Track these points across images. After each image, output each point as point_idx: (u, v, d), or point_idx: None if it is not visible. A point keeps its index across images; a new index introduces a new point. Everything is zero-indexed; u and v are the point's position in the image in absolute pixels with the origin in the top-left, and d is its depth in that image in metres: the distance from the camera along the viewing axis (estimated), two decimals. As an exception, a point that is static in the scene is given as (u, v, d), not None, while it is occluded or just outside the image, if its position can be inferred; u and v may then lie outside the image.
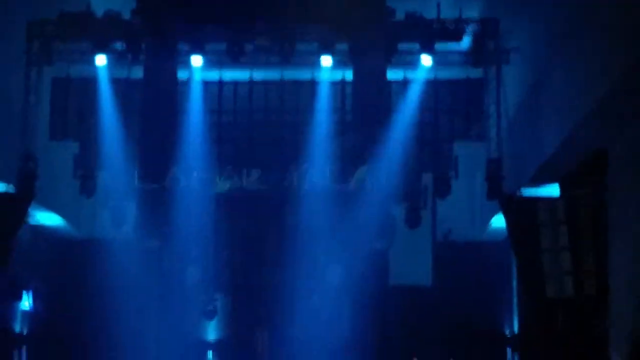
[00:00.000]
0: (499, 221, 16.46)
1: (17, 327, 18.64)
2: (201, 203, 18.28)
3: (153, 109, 17.86)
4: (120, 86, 18.20)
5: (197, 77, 18.16)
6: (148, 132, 17.94)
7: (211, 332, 19.95)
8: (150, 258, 19.04)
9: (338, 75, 18.24)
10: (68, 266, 19.12)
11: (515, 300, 17.38)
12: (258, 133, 18.17)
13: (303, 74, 18.43)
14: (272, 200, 18.35)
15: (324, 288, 18.71)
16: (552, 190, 15.27)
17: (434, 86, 18.33)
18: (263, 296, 19.03)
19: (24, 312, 18.83)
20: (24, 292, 18.60)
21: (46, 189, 17.25)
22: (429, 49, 16.77)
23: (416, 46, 16.92)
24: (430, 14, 16.77)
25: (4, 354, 17.84)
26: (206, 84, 18.55)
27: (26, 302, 18.80)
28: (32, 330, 18.93)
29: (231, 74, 19.23)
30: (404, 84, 18.04)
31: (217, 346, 19.62)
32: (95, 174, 17.88)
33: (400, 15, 16.90)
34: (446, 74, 18.24)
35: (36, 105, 16.93)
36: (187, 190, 18.22)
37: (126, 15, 17.19)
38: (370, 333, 18.25)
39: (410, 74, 17.75)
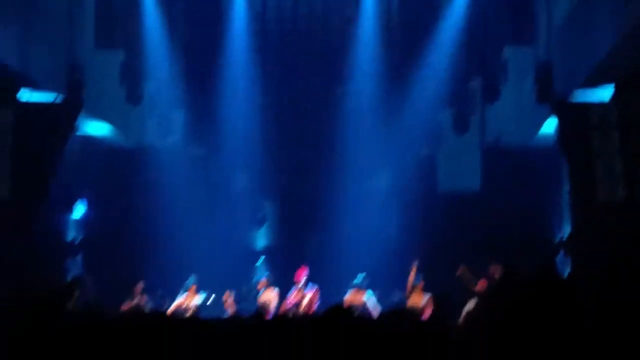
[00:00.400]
0: (549, 126, 16.30)
1: (71, 236, 18.90)
2: (248, 110, 18.30)
3: (198, 14, 17.76)
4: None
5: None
6: (193, 38, 17.88)
7: (261, 239, 20.13)
8: (199, 164, 19.15)
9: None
10: (117, 175, 19.25)
11: (565, 205, 17.27)
12: (302, 42, 17.96)
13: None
14: (319, 105, 18.29)
15: (372, 194, 18.75)
16: (605, 94, 15.06)
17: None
18: (312, 202, 19.12)
19: (77, 221, 19.07)
20: (76, 202, 18.82)
21: (94, 99, 17.34)
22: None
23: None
24: None
25: (60, 263, 18.14)
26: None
27: (78, 212, 19.03)
28: (86, 239, 19.18)
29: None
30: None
31: (267, 253, 19.81)
32: (141, 82, 17.91)
33: None
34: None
35: (81, 15, 16.91)
36: (234, 97, 18.23)
37: None
38: (418, 239, 18.31)
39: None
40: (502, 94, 17.10)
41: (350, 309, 5.96)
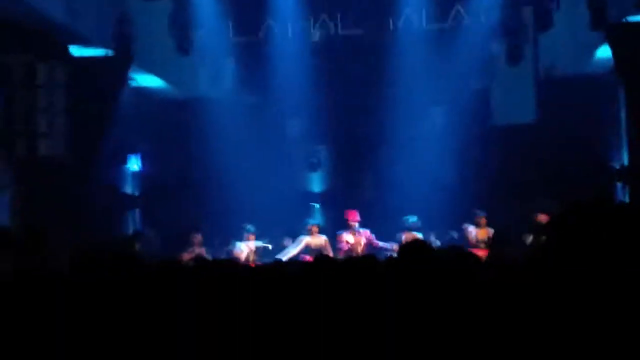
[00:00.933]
0: (604, 51, 15.94)
1: (129, 189, 19.08)
2: (298, 53, 18.19)
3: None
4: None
5: None
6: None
7: (316, 183, 20.12)
8: (251, 113, 19.14)
9: None
10: (172, 126, 19.34)
11: (624, 132, 16.94)
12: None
13: None
14: (369, 45, 18.10)
15: (426, 131, 18.58)
16: (660, 14, 14.68)
17: None
18: (366, 143, 19.03)
19: (134, 174, 19.23)
20: (132, 155, 18.96)
21: (143, 51, 17.36)
22: None
23: None
24: None
25: (119, 216, 18.34)
26: None
27: (134, 164, 19.19)
28: (144, 191, 19.35)
29: None
30: None
31: (323, 197, 19.80)
32: (190, 32, 17.86)
33: None
34: None
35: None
36: (283, 41, 18.14)
37: None
38: (474, 174, 18.15)
39: None
40: (554, 22, 16.70)
41: (428, 244, 5.82)
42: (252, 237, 16.48)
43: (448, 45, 17.60)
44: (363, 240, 15.84)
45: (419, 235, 15.60)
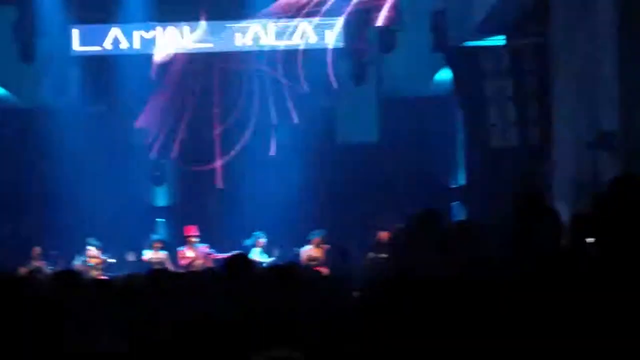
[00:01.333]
0: (444, 74, 16.45)
1: (-34, 199, 18.51)
2: (145, 64, 18.04)
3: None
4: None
5: None
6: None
7: (161, 197, 19.97)
8: (96, 124, 18.84)
9: None
10: (13, 135, 18.90)
11: (460, 152, 17.54)
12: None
13: None
14: (214, 59, 18.15)
15: (271, 147, 18.70)
16: (497, 40, 15.24)
17: None
18: (212, 158, 19.00)
19: (-29, 184, 18.67)
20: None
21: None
22: None
23: None
24: None
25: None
26: None
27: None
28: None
29: None
30: None
31: (168, 211, 19.68)
32: (33, 40, 17.49)
33: None
34: None
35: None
36: (130, 51, 17.97)
37: None
38: (319, 192, 18.39)
39: None
40: (399, 43, 17.11)
41: (250, 260, 5.93)
42: (97, 251, 16.19)
43: (294, 62, 17.80)
44: (200, 255, 15.85)
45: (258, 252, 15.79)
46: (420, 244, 6.22)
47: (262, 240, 16.35)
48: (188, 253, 15.91)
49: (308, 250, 15.66)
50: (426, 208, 6.57)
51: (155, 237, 16.61)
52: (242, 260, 5.76)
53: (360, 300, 5.58)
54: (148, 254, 16.05)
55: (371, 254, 14.23)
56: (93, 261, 15.98)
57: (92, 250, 16.10)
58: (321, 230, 15.93)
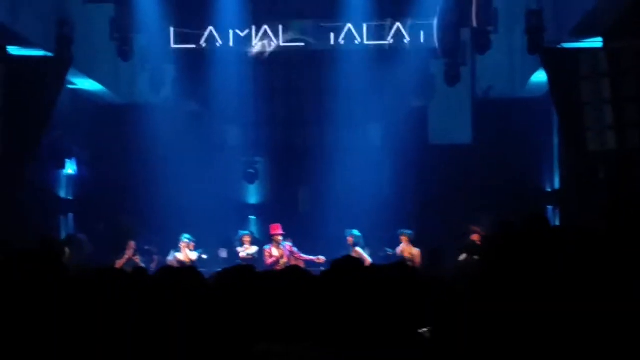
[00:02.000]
0: (540, 76, 16.25)
1: (63, 193, 18.91)
2: (239, 63, 18.19)
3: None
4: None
5: None
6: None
7: (252, 195, 20.15)
8: (190, 121, 19.13)
9: None
10: (109, 131, 19.25)
11: (556, 155, 17.30)
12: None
13: None
14: (310, 57, 18.20)
15: (364, 147, 18.73)
16: (595, 42, 15.01)
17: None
18: (304, 156, 19.12)
19: (69, 178, 19.07)
20: (68, 158, 18.78)
21: (84, 54, 17.23)
22: None
23: None
24: None
25: (52, 220, 18.16)
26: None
27: (69, 169, 19.02)
28: (77, 196, 19.20)
29: None
30: None
31: (259, 209, 19.84)
32: (131, 37, 17.75)
33: None
34: None
35: (69, -31, 16.78)
36: (224, 50, 18.12)
37: None
38: (410, 191, 18.35)
39: None
40: (492, 44, 16.95)
41: (358, 260, 5.87)
42: (191, 245, 16.40)
43: (388, 62, 17.77)
44: (286, 253, 15.90)
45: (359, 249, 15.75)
46: (523, 247, 6.15)
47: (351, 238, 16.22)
48: (274, 252, 15.96)
49: (403, 249, 15.60)
50: (532, 212, 6.46)
51: (243, 232, 16.71)
52: (350, 261, 5.72)
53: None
54: (240, 250, 16.22)
55: (463, 256, 14.15)
56: (188, 257, 16.21)
57: (189, 245, 16.34)
58: (409, 230, 15.88)
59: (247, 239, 16.38)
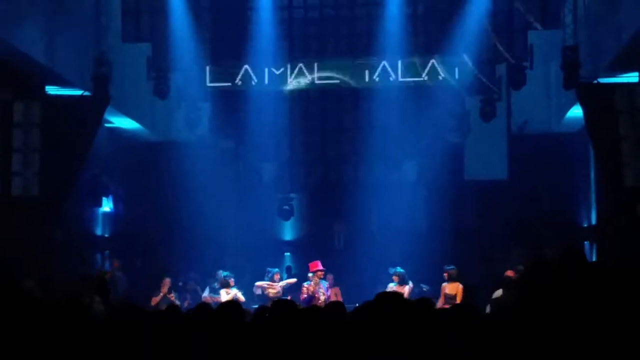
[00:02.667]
0: (576, 111, 16.19)
1: (99, 230, 19.02)
2: (274, 100, 18.31)
3: (223, 6, 17.78)
4: (191, -15, 18.13)
5: (266, -27, 17.99)
6: (219, 31, 17.91)
7: (288, 231, 20.16)
8: (226, 158, 19.23)
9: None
10: (146, 168, 19.39)
11: (593, 191, 17.18)
12: (329, 28, 17.91)
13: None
14: (345, 94, 18.27)
15: (399, 183, 18.71)
16: (631, 77, 14.94)
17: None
18: (339, 193, 19.11)
19: (105, 215, 19.18)
20: (105, 195, 18.91)
21: (121, 93, 17.39)
22: None
23: None
24: None
25: (88, 257, 18.24)
26: (275, -20, 18.30)
27: (106, 207, 19.14)
28: (114, 233, 19.30)
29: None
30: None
31: (294, 245, 19.83)
32: (168, 76, 17.92)
33: None
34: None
35: (108, 8, 16.95)
36: (260, 87, 18.25)
37: None
38: (446, 227, 18.27)
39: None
40: (528, 79, 16.94)
41: (401, 296, 5.84)
42: (231, 282, 16.32)
43: (423, 98, 17.82)
44: (325, 290, 15.75)
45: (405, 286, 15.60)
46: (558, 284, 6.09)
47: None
48: (311, 289, 15.85)
49: (445, 287, 15.47)
50: (568, 247, 6.37)
51: (273, 270, 16.51)
52: (393, 297, 5.70)
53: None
54: (268, 288, 16.06)
55: (499, 292, 14.02)
56: (229, 293, 16.13)
57: (230, 282, 16.28)
58: (453, 266, 15.75)
59: (277, 276, 16.24)
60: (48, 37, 15.44)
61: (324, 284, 15.79)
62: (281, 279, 16.34)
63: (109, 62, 16.72)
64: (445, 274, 15.40)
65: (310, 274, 15.65)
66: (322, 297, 15.51)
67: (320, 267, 15.92)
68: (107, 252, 19.06)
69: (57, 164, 15.77)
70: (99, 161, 17.37)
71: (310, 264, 16.03)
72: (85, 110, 16.31)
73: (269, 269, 16.33)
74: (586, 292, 5.71)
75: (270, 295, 15.75)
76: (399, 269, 15.77)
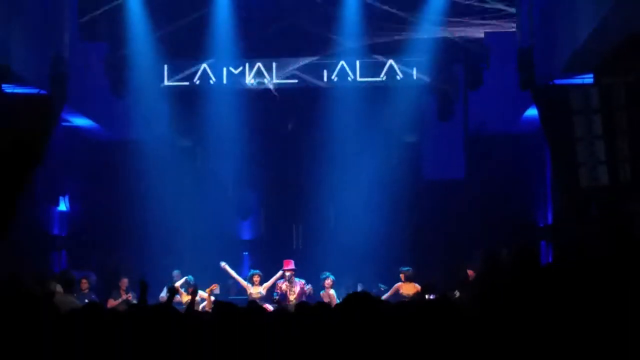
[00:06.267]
0: (532, 112, 16.33)
1: (56, 230, 18.89)
2: (232, 99, 18.28)
3: (181, 5, 17.71)
4: (146, -16, 18.04)
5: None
6: (176, 29, 17.83)
7: (246, 231, 20.14)
8: (184, 157, 19.18)
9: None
10: (103, 167, 19.29)
11: (549, 191, 17.35)
12: (287, 27, 17.87)
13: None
14: (303, 94, 18.27)
15: (357, 182, 18.76)
16: (586, 78, 15.10)
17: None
18: (298, 192, 19.14)
19: (62, 215, 19.06)
20: (61, 195, 18.80)
21: (78, 91, 17.28)
22: None
23: None
24: None
25: (44, 257, 18.11)
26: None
27: (63, 205, 19.02)
28: (71, 232, 19.18)
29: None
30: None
31: (252, 245, 19.82)
32: (125, 74, 17.84)
33: None
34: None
35: (64, 7, 16.81)
36: (218, 86, 18.21)
37: None
38: (403, 227, 18.36)
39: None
40: (485, 80, 17.07)
41: (369, 296, 5.90)
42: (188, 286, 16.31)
43: (381, 98, 17.88)
44: (297, 289, 15.80)
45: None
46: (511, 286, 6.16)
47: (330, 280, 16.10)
48: (284, 287, 15.89)
49: (401, 287, 15.56)
50: (521, 245, 6.46)
51: (254, 271, 16.50)
52: (362, 298, 5.76)
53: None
54: (248, 288, 16.09)
55: (456, 292, 14.12)
56: (183, 297, 16.12)
57: (178, 282, 16.31)
58: (409, 267, 15.85)
59: (256, 278, 16.17)
60: (4, 35, 15.27)
61: (298, 285, 15.82)
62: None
63: (66, 60, 16.61)
64: (401, 275, 15.51)
65: (287, 273, 15.75)
66: (292, 297, 15.56)
67: (289, 267, 15.95)
68: (63, 251, 18.93)
69: (13, 162, 15.62)
70: (56, 160, 17.22)
71: (284, 262, 16.10)
72: (41, 109, 16.15)
73: (252, 270, 16.38)
74: (538, 291, 5.78)
75: (253, 296, 15.78)
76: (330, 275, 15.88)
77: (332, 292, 15.78)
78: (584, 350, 5.02)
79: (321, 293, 15.81)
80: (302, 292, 15.78)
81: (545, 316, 5.44)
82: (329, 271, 16.32)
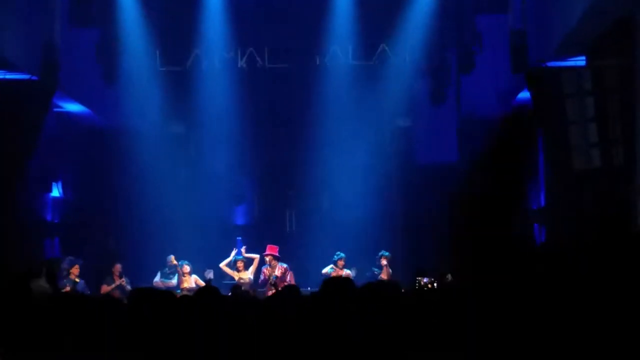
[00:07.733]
0: (524, 95, 16.34)
1: (49, 216, 18.86)
2: (225, 85, 18.25)
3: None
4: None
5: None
6: (168, 15, 17.79)
7: (239, 216, 20.14)
8: (177, 143, 19.15)
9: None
10: (95, 153, 19.22)
11: (541, 174, 17.37)
12: (280, 12, 17.82)
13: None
14: (295, 78, 18.23)
15: (350, 166, 18.76)
16: (579, 61, 15.10)
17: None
18: (291, 177, 19.14)
19: (55, 201, 19.02)
20: (54, 181, 18.76)
21: (70, 77, 17.24)
22: None
23: None
24: None
25: (37, 244, 18.09)
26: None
27: (56, 191, 18.98)
28: (64, 219, 19.14)
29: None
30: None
31: (246, 230, 19.83)
32: (117, 60, 17.78)
33: None
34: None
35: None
36: (210, 72, 18.18)
37: None
38: (396, 211, 18.39)
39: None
40: (477, 63, 17.05)
41: (350, 280, 5.91)
42: (185, 268, 16.47)
43: (373, 82, 17.86)
44: (278, 273, 15.99)
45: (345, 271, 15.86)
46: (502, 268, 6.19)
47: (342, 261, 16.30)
48: (266, 272, 16.15)
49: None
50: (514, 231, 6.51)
51: (238, 257, 16.72)
52: (339, 281, 5.76)
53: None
54: (235, 275, 16.33)
55: (449, 276, 14.18)
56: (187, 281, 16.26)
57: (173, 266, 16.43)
58: (386, 251, 16.06)
59: (240, 264, 16.46)
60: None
61: (279, 269, 15.97)
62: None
63: (58, 46, 16.58)
64: (383, 260, 15.73)
65: (266, 258, 15.95)
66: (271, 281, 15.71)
67: (270, 252, 16.09)
68: (56, 238, 18.90)
69: (4, 149, 15.62)
70: (48, 146, 17.18)
71: (268, 247, 16.20)
72: (33, 95, 16.15)
73: (236, 256, 16.53)
74: (530, 274, 5.81)
75: (243, 281, 15.94)
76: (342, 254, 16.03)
77: (347, 271, 15.87)
78: (577, 337, 5.03)
79: (330, 272, 15.90)
80: (284, 275, 15.93)
81: (538, 298, 5.46)
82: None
